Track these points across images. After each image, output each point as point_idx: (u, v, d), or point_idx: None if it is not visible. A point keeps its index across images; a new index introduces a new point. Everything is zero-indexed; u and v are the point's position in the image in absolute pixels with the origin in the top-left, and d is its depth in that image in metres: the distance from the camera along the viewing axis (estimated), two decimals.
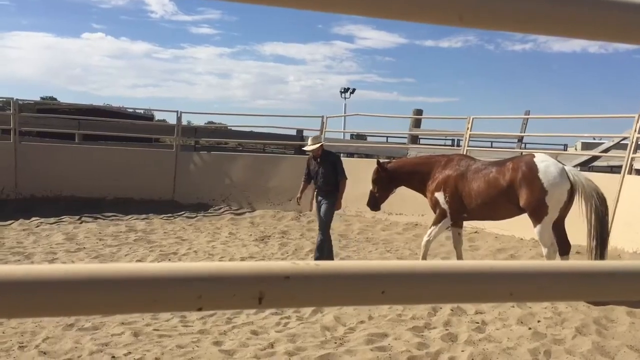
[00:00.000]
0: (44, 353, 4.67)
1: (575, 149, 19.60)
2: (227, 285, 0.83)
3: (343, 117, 19.50)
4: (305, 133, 18.64)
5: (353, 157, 17.54)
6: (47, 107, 25.02)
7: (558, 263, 1.03)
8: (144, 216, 11.41)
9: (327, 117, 13.91)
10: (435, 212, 7.35)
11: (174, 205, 12.53)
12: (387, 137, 23.31)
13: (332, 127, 15.87)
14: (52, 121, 18.19)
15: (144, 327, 5.32)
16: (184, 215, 11.89)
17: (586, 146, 18.82)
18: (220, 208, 12.64)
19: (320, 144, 7.87)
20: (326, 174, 7.73)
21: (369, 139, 24.02)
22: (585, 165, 14.30)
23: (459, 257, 7.56)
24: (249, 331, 5.28)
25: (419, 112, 15.73)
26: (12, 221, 10.29)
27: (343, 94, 41.36)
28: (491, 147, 19.02)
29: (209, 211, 12.37)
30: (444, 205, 7.12)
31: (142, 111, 27.36)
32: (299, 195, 8.05)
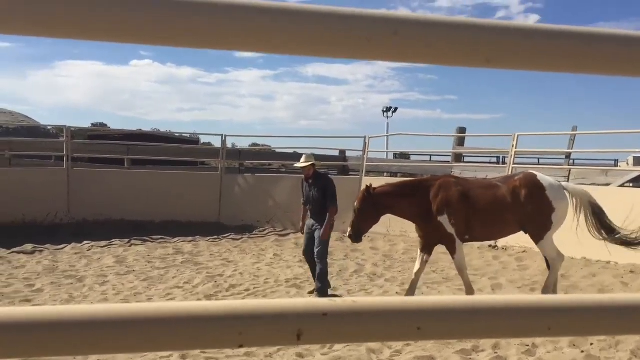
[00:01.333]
0: None
1: (627, 164, 19.01)
2: (267, 323, 0.86)
3: (386, 137, 19.48)
4: (348, 153, 18.70)
5: (396, 177, 17.48)
6: (98, 134, 25.84)
7: (599, 297, 1.02)
8: (190, 238, 11.62)
9: (369, 137, 13.93)
10: (440, 239, 6.83)
11: (220, 227, 12.72)
12: (430, 155, 23.15)
13: (374, 147, 15.88)
14: (103, 147, 18.77)
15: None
16: (230, 237, 12.06)
17: (638, 161, 18.24)
18: (265, 230, 12.77)
19: (310, 163, 7.46)
20: (317, 199, 7.32)
21: (412, 158, 23.90)
22: (638, 182, 13.86)
23: (415, 284, 6.97)
24: (295, 354, 5.29)
25: (462, 130, 15.60)
26: (65, 245, 10.62)
27: (385, 113, 41.39)
28: (538, 163, 18.64)
29: (254, 233, 12.51)
30: (451, 230, 6.65)
31: (188, 135, 27.98)
32: (301, 224, 7.76)
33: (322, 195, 7.32)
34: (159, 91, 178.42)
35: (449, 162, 16.96)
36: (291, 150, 21.87)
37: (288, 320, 0.87)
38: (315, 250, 7.33)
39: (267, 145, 29.01)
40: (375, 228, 12.14)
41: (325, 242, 7.35)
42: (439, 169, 16.81)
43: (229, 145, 15.68)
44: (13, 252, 9.87)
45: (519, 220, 6.66)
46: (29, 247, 10.19)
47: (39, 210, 12.05)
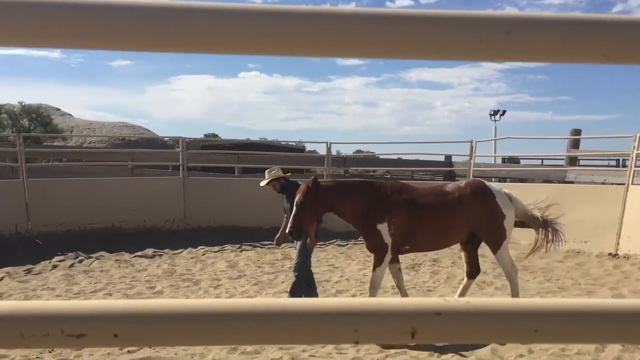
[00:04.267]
0: None
1: None
2: (382, 320, 0.89)
3: (493, 141, 18.88)
4: (454, 159, 18.31)
5: (505, 182, 16.87)
6: (210, 144, 27.11)
7: None
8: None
9: (476, 142, 13.58)
10: (372, 247, 6.37)
11: (326, 233, 12.88)
12: (542, 159, 22.13)
13: (481, 151, 15.44)
14: (215, 156, 19.65)
15: (301, 352, 5.52)
16: (335, 243, 12.20)
17: None
18: None
19: (268, 180, 7.08)
20: (291, 209, 6.60)
21: (522, 162, 22.96)
22: None
23: (404, 295, 6.58)
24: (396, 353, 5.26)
25: (577, 132, 14.80)
26: (182, 250, 11.23)
27: (492, 117, 40.02)
28: None
29: (360, 239, 12.54)
30: (387, 240, 6.13)
31: (294, 143, 28.67)
32: (277, 235, 7.28)
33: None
34: (266, 101, 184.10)
35: (562, 165, 16.14)
36: (395, 157, 21.77)
37: (402, 318, 0.89)
38: (294, 262, 7.05)
39: (371, 152, 29.04)
40: None
41: (305, 254, 6.96)
42: (552, 173, 16.05)
43: (334, 153, 15.90)
44: (136, 256, 10.57)
45: (469, 228, 6.34)
46: (149, 251, 10.87)
47: (158, 217, 12.83)
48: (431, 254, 10.84)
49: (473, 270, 6.70)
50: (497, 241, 6.40)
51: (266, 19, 0.82)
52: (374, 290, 6.31)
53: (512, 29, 0.78)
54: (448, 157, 18.04)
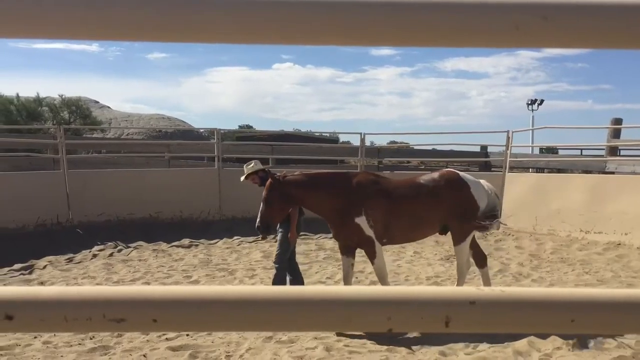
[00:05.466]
0: None
1: None
2: (415, 308, 0.89)
3: (530, 131, 18.54)
4: (489, 149, 18.06)
5: (543, 172, 16.57)
6: (245, 135, 27.33)
7: None
8: (331, 235, 11.88)
9: (512, 132, 13.34)
10: (345, 241, 6.30)
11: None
12: (581, 149, 21.65)
13: (518, 141, 15.17)
14: (249, 147, 19.78)
15: (335, 342, 5.55)
16: None
17: None
18: None
19: (246, 175, 7.03)
20: None
21: (560, 152, 22.49)
22: None
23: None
24: (437, 352, 5.24)
25: (618, 121, 14.42)
26: (218, 240, 11.37)
27: (530, 106, 39.25)
28: None
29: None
30: (369, 232, 6.00)
31: (327, 134, 28.67)
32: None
33: None
34: (300, 92, 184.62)
35: (602, 156, 15.76)
36: (430, 147, 21.58)
37: (436, 307, 0.89)
38: (275, 254, 7.07)
39: (405, 143, 28.85)
40: (521, 225, 11.67)
41: (286, 246, 6.97)
42: (591, 163, 15.69)
43: (368, 143, 15.85)
44: (173, 246, 10.75)
45: (443, 220, 6.25)
46: (186, 241, 11.04)
47: (194, 208, 13.00)
48: None
49: (479, 258, 6.71)
50: (464, 233, 6.33)
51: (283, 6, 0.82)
52: (383, 281, 6.30)
53: (549, 15, 0.77)
54: (484, 148, 17.82)
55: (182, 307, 0.91)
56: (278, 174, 6.31)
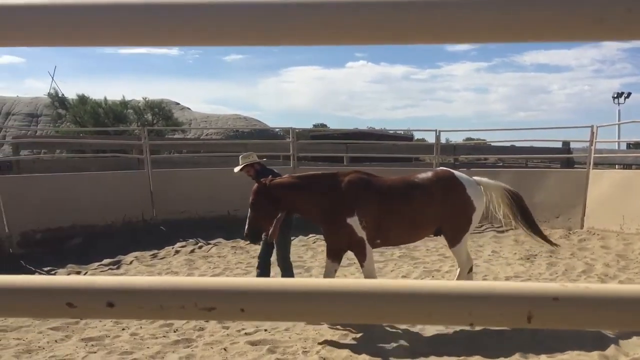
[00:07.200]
0: (324, 359, 5.16)
1: None
2: (497, 304, 0.89)
3: (617, 125, 17.65)
4: (572, 145, 17.36)
5: (631, 169, 15.75)
6: (319, 134, 27.56)
7: None
8: None
9: (597, 127, 12.76)
10: (335, 244, 6.02)
11: None
12: None
13: (603, 136, 14.50)
14: (324, 146, 19.97)
15: (415, 341, 5.53)
16: None
17: None
18: (482, 225, 12.43)
19: (242, 166, 6.78)
20: None
21: None
22: None
23: None
24: (519, 355, 5.12)
25: None
26: (293, 237, 11.53)
27: (616, 100, 37.47)
28: None
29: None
30: (361, 234, 5.75)
31: (402, 132, 28.41)
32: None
33: None
34: (374, 90, 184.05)
35: None
36: (508, 144, 20.97)
37: (518, 302, 0.89)
38: (277, 257, 6.90)
39: (482, 139, 28.18)
40: (607, 225, 11.16)
41: (283, 246, 6.77)
42: None
43: (443, 141, 15.61)
44: (250, 243, 11.01)
45: (437, 221, 5.97)
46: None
47: None
48: (548, 245, 10.38)
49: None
50: (459, 234, 6.08)
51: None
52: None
53: (634, 7, 0.76)
54: (566, 144, 17.15)
55: (268, 297, 0.95)
56: (264, 179, 6.07)
